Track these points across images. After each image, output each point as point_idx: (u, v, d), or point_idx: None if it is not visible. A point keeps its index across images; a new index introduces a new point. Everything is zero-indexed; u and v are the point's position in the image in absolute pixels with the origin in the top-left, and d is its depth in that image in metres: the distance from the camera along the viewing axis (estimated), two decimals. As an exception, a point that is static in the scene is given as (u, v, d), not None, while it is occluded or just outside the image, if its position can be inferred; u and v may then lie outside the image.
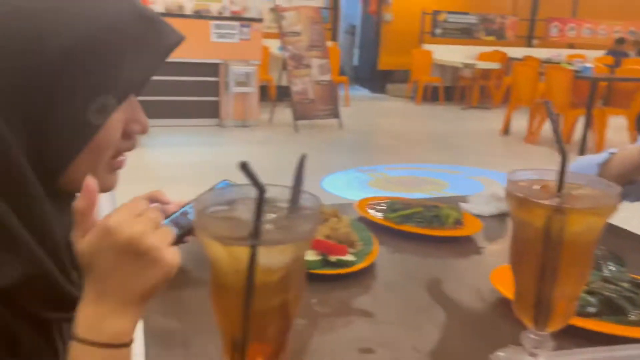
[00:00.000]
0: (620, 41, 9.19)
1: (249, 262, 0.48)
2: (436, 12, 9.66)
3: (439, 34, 9.78)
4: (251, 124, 6.43)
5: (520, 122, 6.61)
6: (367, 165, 5.04)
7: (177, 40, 0.55)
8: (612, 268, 0.89)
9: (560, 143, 0.59)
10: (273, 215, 0.53)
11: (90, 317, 0.50)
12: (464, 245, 1.10)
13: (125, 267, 0.50)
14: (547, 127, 6.40)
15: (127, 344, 0.52)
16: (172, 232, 0.54)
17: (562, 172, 0.58)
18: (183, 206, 0.87)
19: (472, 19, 9.97)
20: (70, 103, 0.48)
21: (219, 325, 0.53)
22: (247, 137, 6.02)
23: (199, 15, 6.26)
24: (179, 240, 0.84)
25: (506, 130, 6.80)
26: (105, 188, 0.57)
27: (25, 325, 0.51)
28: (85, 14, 0.48)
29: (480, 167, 5.12)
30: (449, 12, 9.77)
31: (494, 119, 7.69)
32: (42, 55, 0.46)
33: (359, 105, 8.69)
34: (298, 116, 6.43)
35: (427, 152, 5.88)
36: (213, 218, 0.49)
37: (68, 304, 0.53)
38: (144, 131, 0.57)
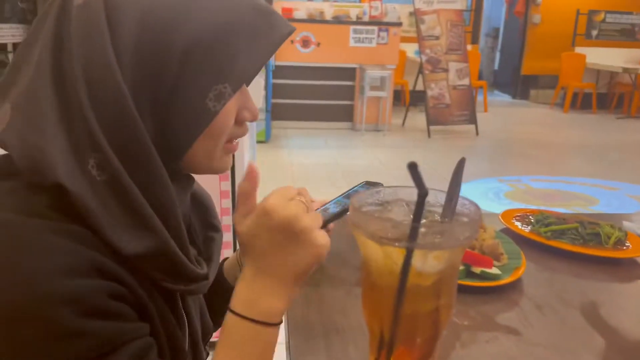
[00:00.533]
0: None
1: (403, 264, 0.47)
2: (593, 12, 8.81)
3: (595, 36, 8.91)
4: (383, 129, 6.43)
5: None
6: (503, 175, 4.77)
7: (289, 31, 0.57)
8: None
9: None
10: (428, 219, 0.52)
11: (246, 293, 0.54)
12: (627, 269, 0.98)
13: (280, 247, 0.53)
14: None
15: (276, 324, 0.55)
16: (320, 217, 0.56)
17: None
18: (325, 204, 0.89)
19: (635, 19, 8.92)
20: (191, 91, 0.51)
21: (367, 324, 0.53)
22: (378, 141, 6.03)
23: (339, 20, 6.42)
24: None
25: (673, 144, 5.98)
26: (221, 169, 0.60)
27: (150, 292, 0.55)
28: (210, 7, 0.52)
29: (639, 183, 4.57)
30: (608, 12, 8.84)
31: (657, 130, 6.82)
32: (172, 45, 0.50)
33: (498, 111, 8.25)
34: (432, 121, 6.29)
35: (574, 165, 5.39)
36: (371, 217, 0.49)
37: (186, 278, 0.56)
38: (253, 118, 0.60)
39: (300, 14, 6.43)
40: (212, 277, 0.63)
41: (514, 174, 4.86)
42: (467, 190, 4.25)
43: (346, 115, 6.53)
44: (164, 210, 0.52)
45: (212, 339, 0.77)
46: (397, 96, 8.10)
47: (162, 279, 0.54)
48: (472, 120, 6.45)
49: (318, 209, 0.88)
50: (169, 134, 0.53)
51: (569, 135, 6.86)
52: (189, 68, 0.51)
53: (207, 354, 0.77)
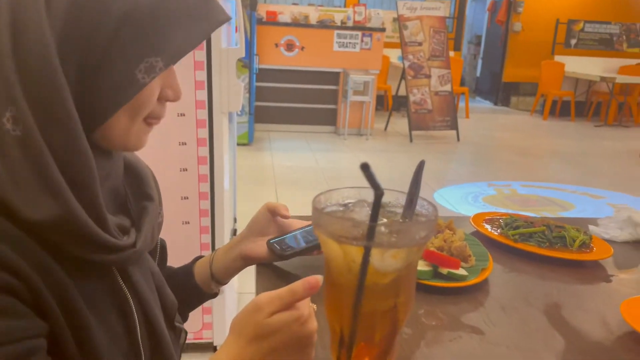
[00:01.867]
0: None
1: (362, 263, 0.49)
2: (572, 22, 8.99)
3: (574, 45, 9.09)
4: (365, 133, 6.47)
5: (666, 143, 5.90)
6: (482, 180, 4.83)
7: (225, 19, 0.58)
8: None
9: None
10: (389, 219, 0.53)
11: None
12: (590, 271, 1.01)
13: (289, 350, 0.56)
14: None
15: None
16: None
17: None
18: (307, 226, 0.90)
19: (613, 29, 9.12)
20: (123, 59, 0.51)
21: (329, 322, 0.55)
22: (361, 145, 6.07)
23: (323, 25, 6.44)
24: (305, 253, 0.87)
25: (648, 152, 6.12)
26: (135, 147, 0.59)
27: (71, 266, 0.52)
28: None
29: (614, 190, 4.67)
30: (587, 22, 9.03)
31: (633, 138, 6.96)
32: (108, 10, 0.50)
33: (480, 117, 8.35)
34: (414, 126, 6.35)
35: (553, 171, 5.48)
36: (330, 216, 0.50)
37: (102, 250, 0.53)
38: (176, 98, 0.60)
39: (284, 17, 6.45)
40: (142, 246, 0.60)
41: (494, 179, 4.92)
42: (447, 193, 4.30)
43: (329, 119, 6.56)
44: (78, 178, 0.50)
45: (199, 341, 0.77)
46: (380, 101, 8.17)
47: (74, 250, 0.51)
48: (454, 125, 6.52)
49: (306, 228, 0.89)
50: (92, 99, 0.51)
51: (548, 142, 6.98)
52: (123, 36, 0.51)
53: (186, 334, 0.76)
